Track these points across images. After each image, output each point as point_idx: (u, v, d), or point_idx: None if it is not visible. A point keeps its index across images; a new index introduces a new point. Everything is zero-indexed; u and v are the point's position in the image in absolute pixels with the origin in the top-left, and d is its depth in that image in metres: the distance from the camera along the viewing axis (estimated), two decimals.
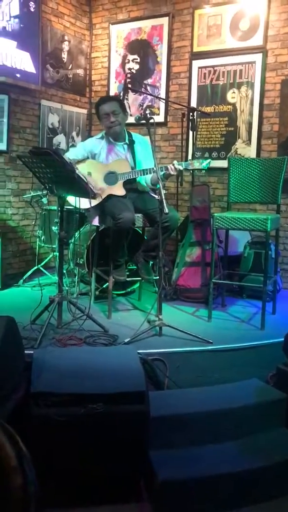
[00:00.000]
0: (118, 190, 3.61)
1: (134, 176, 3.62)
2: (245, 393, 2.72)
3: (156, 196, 3.16)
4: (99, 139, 3.82)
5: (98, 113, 3.75)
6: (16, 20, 4.71)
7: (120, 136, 3.78)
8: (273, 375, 2.86)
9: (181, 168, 3.43)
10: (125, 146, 3.79)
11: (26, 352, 2.61)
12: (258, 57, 4.79)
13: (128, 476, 2.33)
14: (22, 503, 0.85)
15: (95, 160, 3.76)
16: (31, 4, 4.85)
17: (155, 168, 3.24)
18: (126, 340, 3.05)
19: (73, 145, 5.69)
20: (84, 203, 3.41)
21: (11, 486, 0.87)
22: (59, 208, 3.36)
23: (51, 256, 4.80)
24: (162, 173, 3.44)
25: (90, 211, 3.63)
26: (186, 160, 5.05)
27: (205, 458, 2.42)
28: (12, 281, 4.57)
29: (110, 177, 3.63)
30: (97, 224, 3.80)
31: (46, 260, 4.82)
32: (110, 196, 3.60)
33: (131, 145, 3.78)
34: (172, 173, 3.43)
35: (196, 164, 3.42)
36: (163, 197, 3.06)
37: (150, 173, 3.51)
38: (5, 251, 4.65)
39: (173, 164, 3.41)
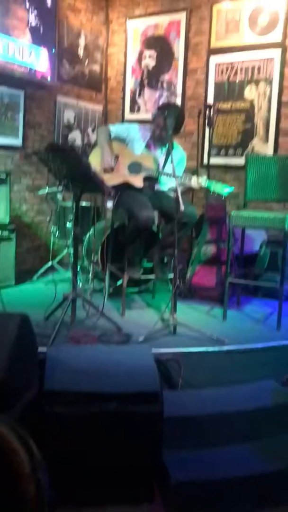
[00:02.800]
0: (137, 181, 3.59)
1: (156, 175, 3.60)
2: (260, 395, 2.68)
3: (172, 194, 3.13)
4: (146, 130, 3.79)
5: (158, 113, 3.68)
6: (33, 15, 4.69)
7: (163, 143, 3.74)
8: None
9: (203, 184, 3.42)
10: (163, 149, 3.78)
11: (39, 349, 2.60)
12: (276, 53, 4.72)
13: (141, 477, 2.31)
14: (35, 511, 0.83)
15: (130, 145, 3.75)
16: None
17: (173, 173, 3.20)
18: (140, 339, 3.03)
19: (88, 141, 5.67)
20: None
21: (24, 494, 0.85)
22: (74, 205, 3.34)
23: (65, 252, 4.79)
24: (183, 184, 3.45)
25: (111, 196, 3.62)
26: (202, 158, 5.00)
27: (219, 460, 2.39)
28: (25, 276, 4.57)
29: (134, 167, 3.61)
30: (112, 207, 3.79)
31: (60, 256, 4.81)
32: (127, 188, 3.57)
33: (168, 151, 3.73)
34: (193, 185, 3.43)
35: (218, 188, 3.38)
36: (179, 195, 3.02)
37: (173, 177, 3.44)
38: (19, 246, 4.65)
39: (198, 179, 3.41)
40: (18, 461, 0.90)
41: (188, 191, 4.66)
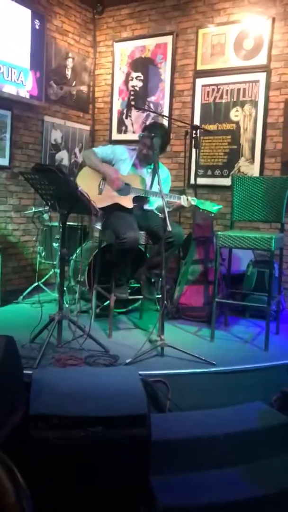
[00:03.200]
0: (127, 202, 3.59)
1: (146, 195, 3.62)
2: (249, 417, 2.66)
3: (159, 214, 3.13)
4: (132, 150, 3.81)
5: (142, 132, 3.73)
6: (21, 36, 4.73)
7: (149, 162, 3.77)
8: (278, 398, 2.79)
9: (193, 203, 3.46)
10: (149, 170, 3.80)
11: (25, 372, 2.55)
12: (261, 76, 4.80)
13: (128, 501, 2.26)
14: None
15: (116, 166, 3.76)
16: (36, 21, 4.88)
17: (161, 192, 3.21)
18: (127, 361, 2.99)
19: (75, 161, 5.68)
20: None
21: None
22: (60, 225, 3.33)
23: (51, 272, 4.75)
24: (171, 204, 3.47)
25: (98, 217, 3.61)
26: (189, 178, 5.04)
27: (207, 484, 2.35)
28: (11, 297, 4.51)
29: (123, 188, 3.62)
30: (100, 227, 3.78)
31: (46, 276, 4.77)
32: (115, 208, 3.57)
33: (154, 171, 3.76)
34: (183, 203, 3.47)
35: (207, 206, 3.43)
36: (167, 215, 3.03)
37: (161, 197, 3.47)
38: (5, 267, 4.61)
39: (187, 198, 3.45)
40: (2, 490, 0.87)
41: (176, 210, 4.69)
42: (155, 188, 3.72)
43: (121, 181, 3.62)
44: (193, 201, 3.47)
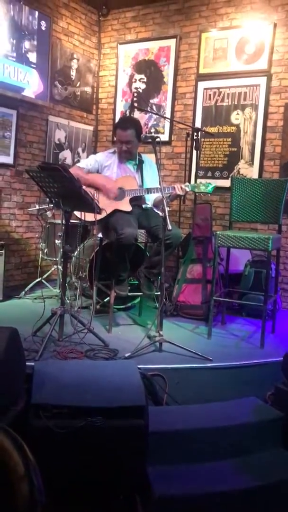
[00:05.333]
0: (125, 205, 3.66)
1: (141, 194, 3.68)
2: (243, 412, 2.73)
3: (160, 213, 3.21)
4: (111, 154, 3.90)
5: (114, 133, 3.81)
6: (27, 37, 4.81)
7: (132, 156, 3.85)
8: (272, 394, 2.87)
9: (187, 189, 3.51)
10: (135, 166, 3.87)
11: (27, 363, 2.63)
12: (262, 80, 4.89)
13: (124, 490, 2.34)
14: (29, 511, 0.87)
15: (103, 173, 3.83)
16: (42, 23, 4.96)
17: (160, 187, 3.29)
18: (126, 355, 3.07)
19: (78, 161, 5.76)
20: (89, 217, 3.45)
21: (19, 494, 0.89)
22: (63, 222, 3.40)
23: (53, 269, 4.83)
24: (168, 195, 3.53)
25: (97, 224, 3.68)
26: (189, 179, 5.12)
27: (202, 475, 2.42)
28: (13, 293, 4.59)
29: (118, 193, 3.69)
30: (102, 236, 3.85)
31: (48, 273, 4.85)
32: (115, 211, 3.65)
33: (140, 165, 3.85)
34: (178, 192, 3.51)
35: (202, 188, 3.51)
36: (167, 214, 3.11)
37: (157, 192, 3.56)
38: (8, 262, 4.69)
39: (180, 186, 3.50)
40: (12, 463, 0.95)
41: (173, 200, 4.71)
42: (146, 183, 3.80)
43: (116, 188, 3.68)
44: (187, 187, 3.53)
